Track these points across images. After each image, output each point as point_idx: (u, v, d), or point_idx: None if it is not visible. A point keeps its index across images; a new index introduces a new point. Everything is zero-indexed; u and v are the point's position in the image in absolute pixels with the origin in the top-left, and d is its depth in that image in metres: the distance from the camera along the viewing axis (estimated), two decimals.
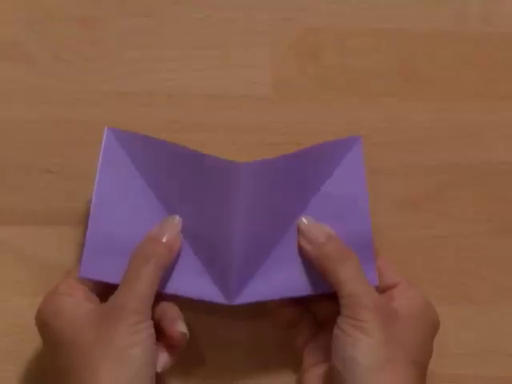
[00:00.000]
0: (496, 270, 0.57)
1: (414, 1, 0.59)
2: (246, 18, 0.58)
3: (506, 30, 0.59)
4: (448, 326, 0.55)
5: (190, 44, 0.57)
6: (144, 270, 0.48)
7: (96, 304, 0.49)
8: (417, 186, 0.57)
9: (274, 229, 0.52)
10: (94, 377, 0.45)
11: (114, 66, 0.57)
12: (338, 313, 0.48)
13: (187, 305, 0.51)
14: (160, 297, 0.49)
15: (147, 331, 0.47)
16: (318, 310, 0.54)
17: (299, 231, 0.52)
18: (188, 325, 0.50)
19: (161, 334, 0.49)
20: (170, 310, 0.50)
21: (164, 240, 0.50)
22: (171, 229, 0.50)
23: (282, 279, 0.51)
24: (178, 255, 0.51)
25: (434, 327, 0.50)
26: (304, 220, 0.52)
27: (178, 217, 0.51)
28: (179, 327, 0.49)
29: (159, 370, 0.49)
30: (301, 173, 0.51)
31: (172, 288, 0.50)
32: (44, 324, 0.48)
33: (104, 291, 0.50)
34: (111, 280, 0.49)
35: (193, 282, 0.51)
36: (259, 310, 0.53)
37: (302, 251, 0.51)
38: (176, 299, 0.50)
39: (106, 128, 0.52)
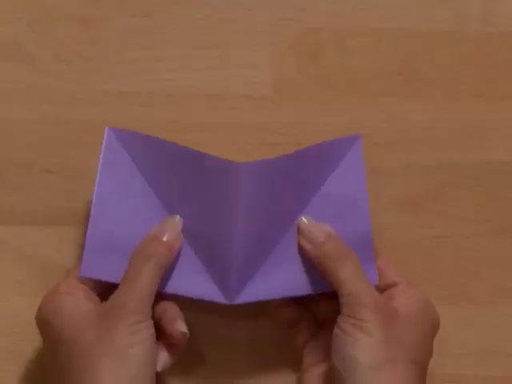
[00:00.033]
0: (496, 269, 0.57)
1: (414, 1, 0.59)
2: (246, 18, 0.58)
3: (506, 29, 0.59)
4: (448, 326, 0.55)
5: (190, 44, 0.57)
6: (144, 270, 0.48)
7: (96, 303, 0.49)
8: (417, 186, 0.57)
9: (274, 228, 0.52)
10: (94, 376, 0.45)
11: (113, 66, 0.57)
12: (338, 312, 0.48)
13: (187, 304, 0.51)
14: (160, 296, 0.49)
15: (147, 331, 0.47)
16: (318, 309, 0.54)
17: (299, 231, 0.52)
18: (188, 324, 0.50)
19: (161, 334, 0.49)
20: (170, 310, 0.50)
21: (164, 240, 0.50)
22: (171, 228, 0.50)
23: (282, 279, 0.51)
24: (179, 255, 0.51)
25: (434, 327, 0.50)
26: (304, 219, 0.52)
27: (178, 216, 0.51)
28: (179, 326, 0.49)
29: (159, 369, 0.49)
30: (301, 172, 0.51)
31: (172, 288, 0.50)
32: (44, 323, 0.48)
33: (104, 290, 0.50)
34: (111, 279, 0.49)
35: (193, 281, 0.51)
36: (259, 310, 0.53)
37: (302, 251, 0.51)
38: (176, 299, 0.50)
39: (106, 128, 0.52)
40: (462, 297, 0.57)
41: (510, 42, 0.59)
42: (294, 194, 0.52)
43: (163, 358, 0.49)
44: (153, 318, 0.48)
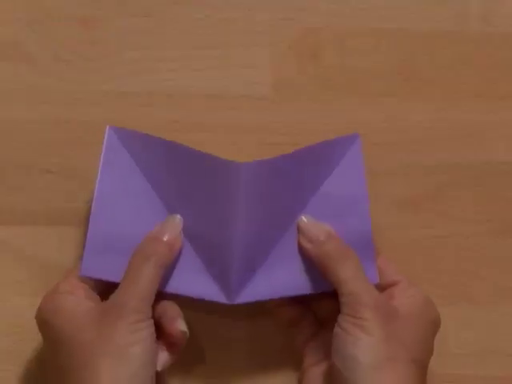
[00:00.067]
0: (496, 269, 0.57)
1: (414, 1, 0.59)
2: (246, 18, 0.58)
3: (506, 29, 0.59)
4: (448, 326, 0.55)
5: (190, 44, 0.57)
6: (145, 269, 0.48)
7: (96, 302, 0.49)
8: (417, 186, 0.57)
9: (274, 228, 0.52)
10: (94, 375, 0.45)
11: (114, 66, 0.57)
12: (338, 311, 0.48)
13: (187, 304, 0.51)
14: (160, 295, 0.49)
15: (147, 330, 0.47)
16: (319, 308, 0.54)
17: (299, 230, 0.52)
18: (188, 324, 0.50)
19: (161, 333, 0.49)
20: (170, 309, 0.50)
21: (165, 239, 0.50)
22: (172, 228, 0.50)
23: (282, 278, 0.51)
24: (179, 254, 0.51)
25: (434, 325, 0.50)
26: (304, 219, 0.52)
27: (179, 216, 0.51)
28: (179, 326, 0.49)
29: (159, 368, 0.49)
30: (300, 172, 0.51)
31: (172, 287, 0.50)
32: (44, 322, 0.48)
33: (105, 290, 0.50)
34: (112, 278, 0.49)
35: (193, 281, 0.51)
36: (259, 310, 0.53)
37: (302, 250, 0.51)
38: (176, 298, 0.51)
39: (107, 127, 0.52)
40: (462, 297, 0.57)
41: (510, 41, 0.59)
42: (294, 194, 0.52)
43: (163, 357, 0.49)
44: (153, 317, 0.48)
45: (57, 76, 0.56)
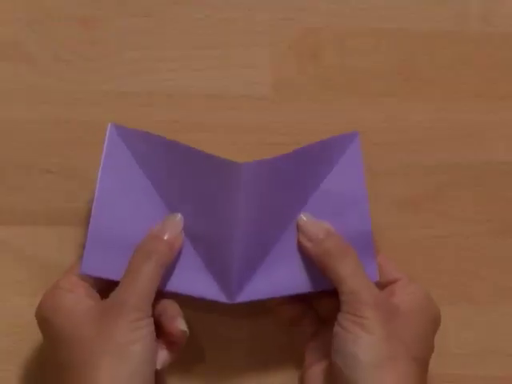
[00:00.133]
0: (496, 269, 0.57)
1: (414, 1, 0.59)
2: (246, 18, 0.58)
3: (506, 29, 0.59)
4: (448, 326, 0.55)
5: (190, 44, 0.57)
6: (145, 267, 0.48)
7: (97, 300, 0.49)
8: (417, 186, 0.57)
9: (274, 227, 0.52)
10: (93, 373, 0.45)
11: (114, 66, 0.57)
12: (339, 309, 0.48)
13: (187, 302, 0.51)
14: (160, 294, 0.49)
15: (147, 328, 0.47)
16: (320, 306, 0.54)
17: (299, 228, 0.52)
18: (188, 323, 0.49)
19: (161, 332, 0.49)
20: (170, 308, 0.50)
21: (165, 238, 0.50)
22: (173, 227, 0.50)
23: (282, 277, 0.51)
24: (180, 253, 0.51)
25: (435, 322, 0.50)
26: (303, 217, 0.52)
27: (179, 215, 0.51)
28: (179, 325, 0.49)
29: (159, 367, 0.48)
30: (300, 171, 0.51)
31: (173, 286, 0.50)
32: (44, 320, 0.48)
33: (105, 288, 0.50)
34: (112, 277, 0.49)
35: (194, 280, 0.51)
36: (259, 309, 0.53)
37: (301, 249, 0.51)
38: (176, 297, 0.51)
39: (109, 124, 0.52)
40: (462, 297, 0.57)
41: (510, 41, 0.59)
42: (294, 193, 0.52)
43: (163, 355, 0.49)
44: (153, 315, 0.48)
45: (57, 76, 0.56)
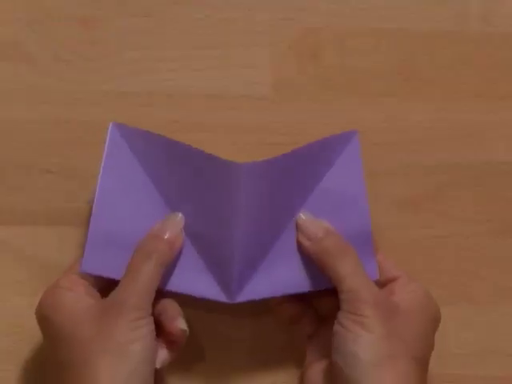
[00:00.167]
0: (496, 269, 0.57)
1: (414, 1, 0.59)
2: (246, 18, 0.58)
3: (506, 29, 0.59)
4: (448, 326, 0.55)
5: (190, 44, 0.57)
6: (145, 266, 0.48)
7: (97, 299, 0.49)
8: (417, 186, 0.57)
9: (274, 227, 0.52)
10: (93, 371, 0.45)
11: (114, 66, 0.57)
12: (339, 308, 0.48)
13: (187, 302, 0.51)
14: (160, 294, 0.49)
15: (147, 327, 0.47)
16: (321, 305, 0.53)
17: (298, 228, 0.52)
18: (188, 322, 0.49)
19: (161, 331, 0.49)
20: (170, 307, 0.50)
21: (166, 237, 0.50)
22: (173, 226, 0.50)
23: (282, 276, 0.51)
24: (180, 253, 0.51)
25: (435, 321, 0.50)
26: (302, 216, 0.52)
27: (180, 214, 0.51)
28: (179, 324, 0.49)
29: (158, 366, 0.48)
30: (300, 171, 0.51)
31: (173, 285, 0.50)
32: (44, 318, 0.48)
33: (105, 286, 0.50)
34: (112, 275, 0.49)
35: (194, 279, 0.51)
36: (259, 308, 0.53)
37: (301, 248, 0.51)
38: (176, 296, 0.50)
39: (111, 123, 0.52)
40: (462, 297, 0.57)
41: (510, 41, 0.59)
42: (294, 193, 0.52)
43: (163, 355, 0.49)
44: (153, 315, 0.48)
45: (57, 76, 0.56)
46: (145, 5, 0.58)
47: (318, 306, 0.54)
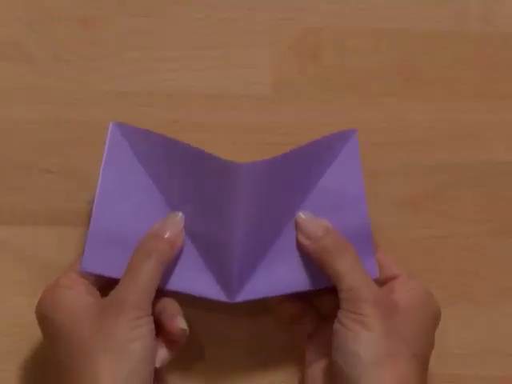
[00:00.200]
0: (496, 269, 0.57)
1: (414, 1, 0.59)
2: (246, 18, 0.58)
3: (506, 29, 0.59)
4: (448, 326, 0.55)
5: (190, 44, 0.57)
6: (145, 266, 0.48)
7: (97, 298, 0.49)
8: (417, 186, 0.57)
9: (274, 226, 0.52)
10: (93, 370, 0.45)
11: (114, 66, 0.57)
12: (339, 307, 0.48)
13: (187, 301, 0.51)
14: (160, 293, 0.49)
15: (147, 326, 0.47)
16: (321, 304, 0.53)
17: (297, 227, 0.52)
18: (188, 321, 0.49)
19: (160, 330, 0.49)
20: (169, 306, 0.50)
21: (166, 236, 0.50)
22: (173, 225, 0.50)
23: (282, 276, 0.51)
24: (180, 252, 0.51)
25: (435, 318, 0.50)
26: (301, 215, 0.52)
27: (180, 214, 0.51)
28: (179, 323, 0.49)
29: (158, 365, 0.49)
30: (299, 170, 0.51)
31: (173, 285, 0.50)
32: (44, 317, 0.48)
33: (105, 285, 0.50)
34: (112, 274, 0.49)
35: (194, 279, 0.51)
36: (259, 307, 0.53)
37: (300, 247, 0.51)
38: (176, 295, 0.51)
39: (111, 122, 0.52)
40: (462, 297, 0.57)
41: (510, 41, 0.59)
42: (293, 192, 0.52)
43: (162, 354, 0.49)
44: (153, 314, 0.48)
45: (57, 76, 0.57)
46: (145, 5, 0.58)
47: (318, 305, 0.54)
